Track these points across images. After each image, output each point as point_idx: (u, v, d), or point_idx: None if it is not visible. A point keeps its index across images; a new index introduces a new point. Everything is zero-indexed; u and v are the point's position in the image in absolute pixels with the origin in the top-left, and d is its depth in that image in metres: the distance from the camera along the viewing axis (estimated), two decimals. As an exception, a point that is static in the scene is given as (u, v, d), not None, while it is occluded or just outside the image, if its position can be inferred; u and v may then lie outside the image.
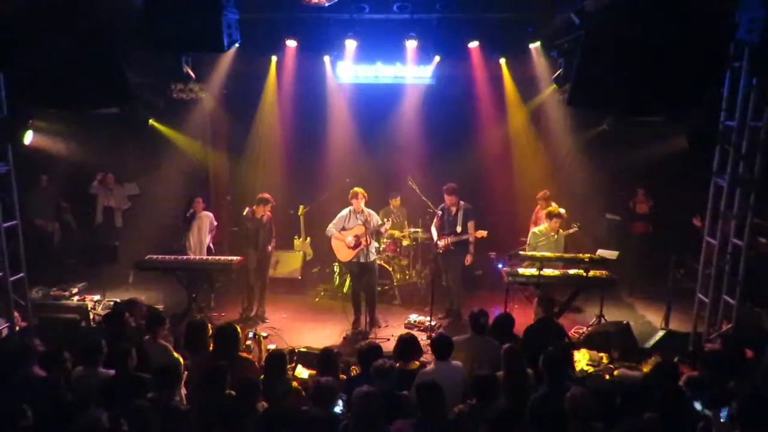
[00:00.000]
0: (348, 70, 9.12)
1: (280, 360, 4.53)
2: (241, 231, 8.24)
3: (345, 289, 8.54)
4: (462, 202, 7.52)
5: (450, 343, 4.70)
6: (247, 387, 3.95)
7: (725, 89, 5.80)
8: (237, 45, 5.69)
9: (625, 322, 7.03)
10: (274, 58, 9.13)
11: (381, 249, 8.50)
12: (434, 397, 3.72)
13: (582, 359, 6.09)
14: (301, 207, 9.36)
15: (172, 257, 7.59)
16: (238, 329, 5.02)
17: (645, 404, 3.81)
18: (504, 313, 5.78)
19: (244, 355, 5.15)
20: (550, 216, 7.59)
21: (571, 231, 7.93)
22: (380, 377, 4.26)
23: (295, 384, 4.60)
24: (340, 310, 7.76)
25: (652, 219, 9.15)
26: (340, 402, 3.98)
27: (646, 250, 9.10)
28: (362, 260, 7.34)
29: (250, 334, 6.10)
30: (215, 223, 8.21)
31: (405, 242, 8.99)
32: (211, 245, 8.17)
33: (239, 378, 4.12)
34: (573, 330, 7.22)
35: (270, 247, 8.04)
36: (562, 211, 7.85)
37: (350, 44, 8.22)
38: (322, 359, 4.72)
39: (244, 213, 7.97)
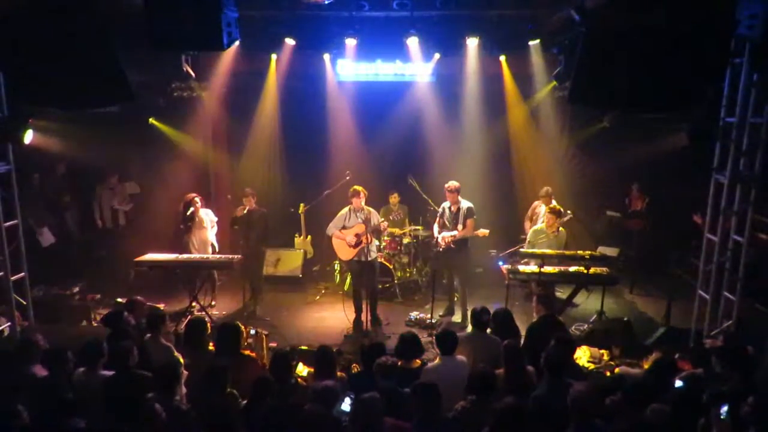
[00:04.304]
0: (348, 67, 9.11)
1: (285, 359, 4.54)
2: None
3: (346, 287, 8.54)
4: (463, 201, 7.51)
5: (455, 338, 4.72)
6: (260, 385, 3.96)
7: (726, 85, 5.79)
8: (237, 43, 5.68)
9: (625, 318, 7.05)
10: (273, 56, 9.11)
11: (382, 247, 8.50)
12: (430, 398, 3.73)
13: (583, 356, 6.11)
14: (302, 205, 9.36)
15: (173, 256, 7.58)
16: (241, 327, 5.03)
17: (646, 401, 3.82)
18: (501, 308, 5.78)
19: (247, 353, 5.16)
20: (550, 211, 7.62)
21: (565, 219, 7.91)
22: (384, 375, 4.27)
23: (300, 381, 4.62)
24: (341, 308, 7.76)
25: (647, 216, 9.17)
26: (348, 400, 3.97)
27: (645, 247, 9.11)
28: (363, 259, 7.34)
29: (252, 332, 6.10)
30: (215, 219, 8.21)
31: (406, 240, 9.00)
32: (215, 242, 8.17)
33: (248, 376, 4.13)
34: (574, 327, 7.23)
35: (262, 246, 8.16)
36: (561, 209, 7.86)
37: (350, 42, 8.20)
38: (318, 357, 4.73)
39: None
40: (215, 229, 8.19)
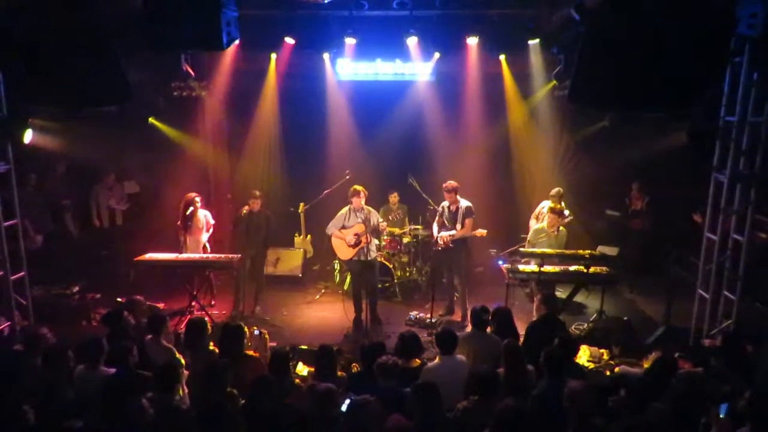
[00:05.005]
0: (347, 67, 9.12)
1: (284, 359, 4.54)
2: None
3: (345, 287, 8.54)
4: (462, 200, 7.51)
5: (455, 338, 4.72)
6: (259, 385, 3.96)
7: (726, 84, 5.78)
8: (236, 42, 5.68)
9: (625, 318, 7.05)
10: (273, 56, 9.11)
11: (381, 246, 8.50)
12: (430, 398, 3.72)
13: (583, 355, 6.11)
14: (302, 204, 9.36)
15: (173, 255, 7.57)
16: (244, 328, 5.02)
17: (646, 400, 3.82)
18: (501, 306, 5.78)
19: (251, 353, 5.16)
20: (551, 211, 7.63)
21: (566, 220, 7.93)
22: (384, 375, 4.27)
23: (297, 381, 4.61)
24: (341, 308, 7.76)
25: (647, 215, 9.16)
26: (348, 401, 3.97)
27: (645, 247, 9.10)
28: (363, 258, 7.33)
29: (256, 332, 6.10)
30: (212, 222, 8.18)
31: (405, 239, 8.99)
32: (208, 244, 8.14)
33: (252, 376, 4.13)
34: (574, 326, 7.23)
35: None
36: (566, 212, 7.88)
37: (350, 41, 8.20)
38: (319, 356, 4.73)
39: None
40: (210, 231, 8.16)
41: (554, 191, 8.32)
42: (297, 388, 4.37)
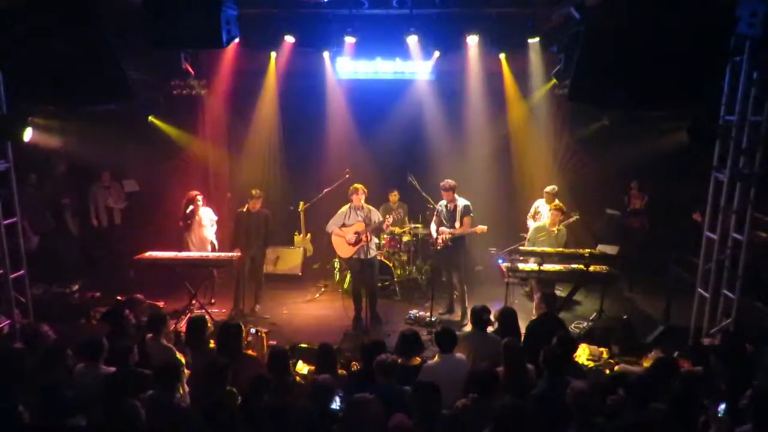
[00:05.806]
0: (347, 65, 9.10)
1: (282, 357, 4.54)
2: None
3: (345, 285, 8.55)
4: (460, 199, 7.51)
5: (454, 336, 4.73)
6: (257, 383, 3.97)
7: (725, 84, 5.78)
8: (236, 41, 5.68)
9: (625, 317, 7.05)
10: (273, 54, 9.10)
11: (381, 245, 8.50)
12: (431, 397, 3.73)
13: (582, 354, 6.12)
14: (301, 203, 9.36)
15: (173, 254, 7.58)
16: (242, 326, 5.03)
17: (646, 399, 3.82)
18: (508, 307, 5.79)
19: (249, 352, 5.16)
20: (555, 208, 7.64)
21: (571, 220, 7.93)
22: (383, 373, 4.28)
23: (298, 379, 4.62)
24: (341, 306, 7.77)
25: (647, 214, 9.16)
26: (337, 399, 3.98)
27: (644, 246, 9.11)
28: (363, 257, 7.34)
29: (252, 330, 6.10)
30: (215, 218, 8.18)
31: (405, 238, 8.99)
32: (215, 241, 8.15)
33: (249, 375, 4.13)
34: (573, 325, 7.24)
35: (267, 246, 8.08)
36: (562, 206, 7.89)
37: (350, 40, 8.18)
38: (320, 355, 4.74)
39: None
40: (215, 227, 8.17)
41: (549, 188, 8.27)
42: (297, 386, 4.38)
